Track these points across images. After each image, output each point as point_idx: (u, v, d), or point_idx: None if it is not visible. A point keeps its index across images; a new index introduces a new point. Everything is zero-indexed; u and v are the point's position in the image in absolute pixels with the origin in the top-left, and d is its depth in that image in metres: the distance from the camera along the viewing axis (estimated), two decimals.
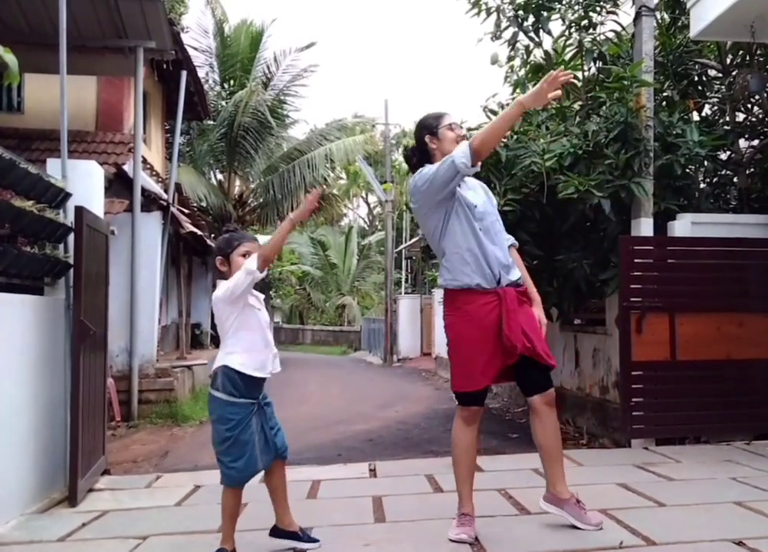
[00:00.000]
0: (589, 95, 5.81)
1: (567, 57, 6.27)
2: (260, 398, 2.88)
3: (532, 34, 6.00)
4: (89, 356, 4.25)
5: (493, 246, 3.10)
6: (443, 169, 3.02)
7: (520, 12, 5.85)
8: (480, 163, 3.06)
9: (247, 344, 2.83)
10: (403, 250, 22.78)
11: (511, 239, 3.32)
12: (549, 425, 3.15)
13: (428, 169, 3.11)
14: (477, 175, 6.18)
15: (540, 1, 5.74)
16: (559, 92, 2.92)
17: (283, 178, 17.87)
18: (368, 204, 38.53)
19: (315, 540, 3.00)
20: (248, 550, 2.95)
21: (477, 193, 3.26)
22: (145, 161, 9.91)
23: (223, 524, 2.89)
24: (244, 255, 2.84)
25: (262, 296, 3.00)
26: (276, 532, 3.00)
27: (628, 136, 5.28)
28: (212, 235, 15.43)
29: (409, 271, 26.22)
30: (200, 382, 10.27)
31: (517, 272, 3.18)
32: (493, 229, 3.17)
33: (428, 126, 3.23)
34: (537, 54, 6.27)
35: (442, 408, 8.85)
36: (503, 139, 5.93)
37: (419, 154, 3.28)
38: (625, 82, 5.34)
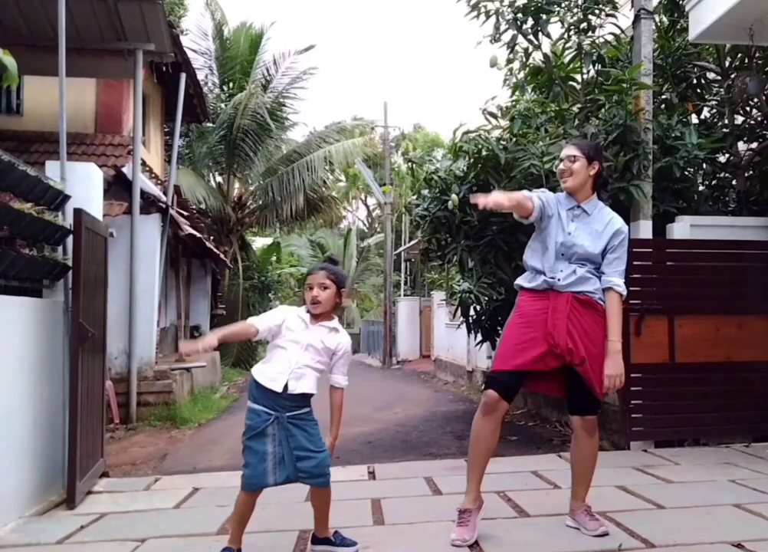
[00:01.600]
0: (588, 98, 5.81)
1: (566, 60, 6.28)
2: (283, 413, 2.80)
3: (531, 37, 5.99)
4: (87, 358, 4.24)
5: (558, 265, 3.14)
6: None
7: (519, 15, 5.84)
8: (530, 216, 3.15)
9: (270, 355, 2.90)
10: (402, 252, 22.78)
11: (611, 282, 3.12)
12: (584, 449, 3.20)
13: None
14: (476, 178, 6.20)
15: (539, 4, 5.74)
16: None
17: (282, 180, 17.87)
18: (367, 206, 38.53)
19: (350, 544, 3.00)
20: (249, 551, 2.94)
21: (584, 231, 3.17)
22: (144, 163, 9.91)
23: (231, 524, 2.95)
24: (307, 288, 2.92)
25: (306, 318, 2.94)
26: (314, 540, 3.06)
27: (627, 138, 5.29)
28: (211, 238, 15.43)
29: (408, 273, 26.22)
30: (199, 385, 10.26)
31: (582, 287, 3.11)
32: (573, 259, 3.15)
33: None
34: (536, 57, 6.27)
35: (441, 410, 8.84)
36: (502, 142, 5.97)
37: None
38: (624, 85, 5.35)
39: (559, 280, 3.13)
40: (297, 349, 2.85)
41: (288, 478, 2.81)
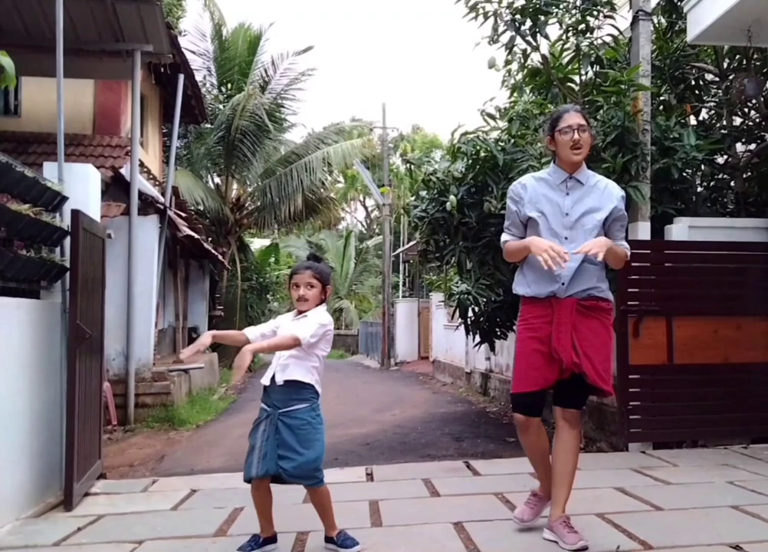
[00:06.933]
0: (586, 99, 5.82)
1: (564, 61, 6.28)
2: (276, 409, 2.90)
3: (529, 38, 5.99)
4: (85, 359, 4.23)
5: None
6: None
7: (518, 16, 5.84)
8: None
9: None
10: (401, 253, 22.79)
11: (622, 246, 3.06)
12: (566, 442, 3.06)
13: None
14: (474, 179, 6.20)
15: (538, 6, 5.74)
16: None
17: (280, 181, 17.87)
18: (365, 208, 38.54)
19: (349, 546, 3.01)
20: None
21: (582, 203, 3.02)
22: (142, 164, 9.90)
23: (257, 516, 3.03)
24: (293, 287, 3.02)
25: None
26: (325, 538, 3.09)
27: (626, 140, 5.29)
28: (209, 239, 15.41)
29: (407, 274, 26.24)
30: (197, 386, 10.24)
31: (587, 284, 2.98)
32: (584, 239, 2.94)
33: (550, 127, 3.10)
34: (534, 58, 6.27)
35: (440, 411, 8.83)
36: (500, 143, 5.97)
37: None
38: (622, 86, 5.35)
39: (564, 284, 2.95)
40: None
41: (268, 472, 2.87)
